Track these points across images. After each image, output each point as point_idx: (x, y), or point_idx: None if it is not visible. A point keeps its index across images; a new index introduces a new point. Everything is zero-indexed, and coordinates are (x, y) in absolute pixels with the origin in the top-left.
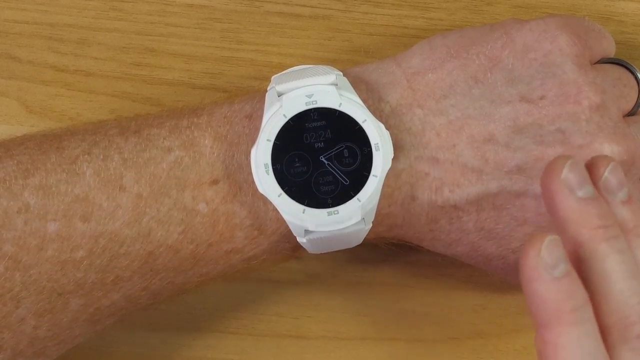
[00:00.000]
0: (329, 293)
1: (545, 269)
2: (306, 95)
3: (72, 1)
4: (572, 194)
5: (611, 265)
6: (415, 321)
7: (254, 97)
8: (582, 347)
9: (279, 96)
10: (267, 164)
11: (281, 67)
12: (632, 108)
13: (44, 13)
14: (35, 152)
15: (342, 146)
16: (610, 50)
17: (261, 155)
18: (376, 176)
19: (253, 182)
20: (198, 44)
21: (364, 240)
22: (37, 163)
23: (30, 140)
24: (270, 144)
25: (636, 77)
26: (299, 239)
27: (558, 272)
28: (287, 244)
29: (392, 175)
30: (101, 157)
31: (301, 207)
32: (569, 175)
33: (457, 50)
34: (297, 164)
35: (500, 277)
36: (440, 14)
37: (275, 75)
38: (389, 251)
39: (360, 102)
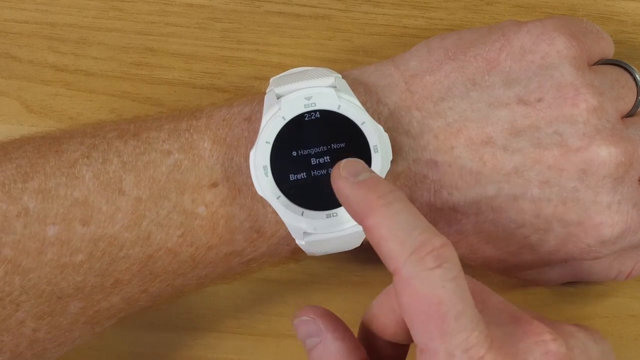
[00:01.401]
0: (329, 293)
1: (347, 177)
2: (305, 98)
3: (72, 1)
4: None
5: None
6: None
7: (252, 99)
8: (398, 221)
9: (277, 98)
10: (266, 166)
11: (281, 67)
12: (631, 109)
13: (44, 13)
14: (34, 156)
15: (341, 148)
16: (609, 51)
17: (260, 157)
18: None
19: (252, 184)
20: (198, 44)
21: (363, 242)
22: (36, 166)
23: (28, 143)
24: (269, 146)
25: (634, 78)
26: (297, 242)
27: (361, 177)
28: (287, 247)
29: (390, 177)
30: (100, 160)
31: (300, 209)
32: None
33: (454, 52)
34: (296, 167)
35: (500, 277)
36: (440, 14)
37: (273, 77)
38: None
39: (359, 104)
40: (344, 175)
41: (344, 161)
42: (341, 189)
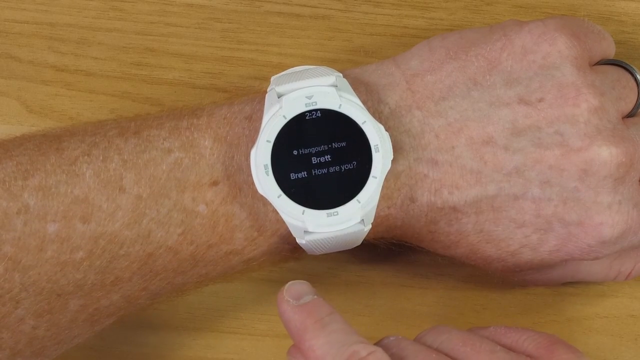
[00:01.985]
0: (329, 293)
1: (289, 300)
2: (306, 97)
3: (72, 1)
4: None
5: None
6: (415, 321)
7: (253, 98)
8: (330, 341)
9: (278, 97)
10: (266, 165)
11: (281, 67)
12: (632, 109)
13: (44, 13)
14: (34, 153)
15: (342, 147)
16: (610, 51)
17: (261, 156)
18: (376, 177)
19: (253, 183)
20: (198, 44)
21: (363, 241)
22: (37, 164)
23: (29, 140)
24: (270, 145)
25: (635, 79)
26: (298, 240)
27: (302, 300)
28: (287, 245)
29: (391, 176)
30: (101, 158)
31: (301, 208)
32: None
33: (456, 52)
34: (297, 165)
35: (501, 277)
36: (440, 14)
37: (274, 76)
38: (389, 251)
39: (360, 103)
40: (286, 298)
41: (288, 284)
42: (283, 312)
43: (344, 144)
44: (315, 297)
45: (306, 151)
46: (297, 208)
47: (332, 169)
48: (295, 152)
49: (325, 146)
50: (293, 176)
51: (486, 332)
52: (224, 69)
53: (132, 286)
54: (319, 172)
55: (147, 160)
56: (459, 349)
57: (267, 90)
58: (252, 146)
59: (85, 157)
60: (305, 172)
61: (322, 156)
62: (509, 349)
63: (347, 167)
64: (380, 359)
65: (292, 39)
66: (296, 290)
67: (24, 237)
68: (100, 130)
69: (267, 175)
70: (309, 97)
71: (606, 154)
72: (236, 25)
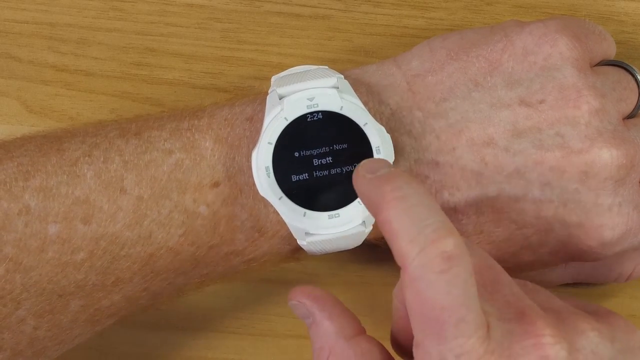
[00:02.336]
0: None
1: (364, 174)
2: (307, 98)
3: (72, 1)
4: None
5: None
6: None
7: (254, 99)
8: (411, 216)
9: (280, 99)
10: (268, 166)
11: (281, 67)
12: (632, 111)
13: (44, 13)
14: (35, 154)
15: (343, 149)
16: (611, 52)
17: (262, 158)
18: None
19: (254, 184)
20: (198, 44)
21: (364, 241)
22: (38, 165)
23: (30, 141)
24: (272, 147)
25: (636, 80)
26: (299, 242)
27: (379, 172)
28: (288, 246)
29: None
30: (102, 159)
31: (302, 210)
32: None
33: (457, 52)
34: (298, 167)
35: None
36: (440, 14)
37: (275, 77)
38: (389, 251)
39: (362, 105)
40: (361, 173)
41: (364, 161)
42: (358, 186)
43: (345, 145)
44: (393, 168)
45: (307, 153)
46: (298, 210)
47: (333, 171)
48: (296, 154)
49: (327, 148)
50: (294, 178)
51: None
52: (224, 69)
53: (133, 287)
54: (320, 174)
55: (148, 162)
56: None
57: (269, 91)
58: (253, 147)
59: (86, 158)
60: (306, 174)
61: (323, 158)
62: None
63: (348, 168)
64: (464, 255)
65: (292, 39)
66: (372, 165)
67: (25, 238)
68: (101, 131)
69: (269, 177)
70: (311, 99)
71: (607, 156)
72: (236, 25)
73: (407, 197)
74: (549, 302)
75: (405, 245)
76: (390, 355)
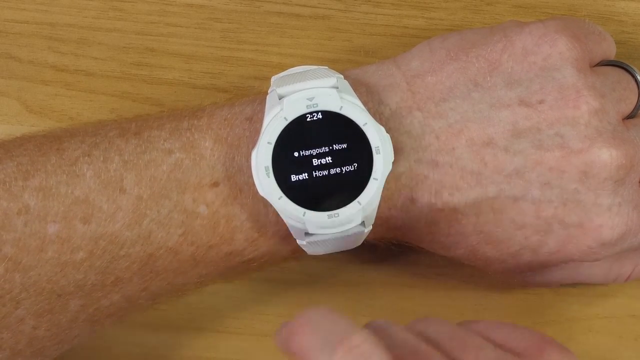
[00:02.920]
0: (329, 293)
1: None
2: (307, 98)
3: (72, 1)
4: None
5: None
6: None
7: (254, 99)
8: (316, 331)
9: (279, 99)
10: (267, 166)
11: (281, 67)
12: (632, 111)
13: (44, 13)
14: (35, 154)
15: (343, 149)
16: (611, 52)
17: (262, 157)
18: (377, 179)
19: (253, 184)
20: (198, 44)
21: (363, 241)
22: (37, 164)
23: (29, 141)
24: (271, 147)
25: (636, 80)
26: (299, 242)
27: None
28: (287, 246)
29: (391, 178)
30: (101, 158)
31: (301, 210)
32: None
33: (456, 53)
34: (298, 167)
35: (501, 278)
36: (440, 14)
37: (275, 77)
38: (389, 251)
39: (361, 105)
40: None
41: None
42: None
43: (344, 145)
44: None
45: (307, 153)
46: (298, 210)
47: (332, 171)
48: (296, 154)
49: (326, 148)
50: (294, 178)
51: (478, 326)
52: (224, 69)
53: (133, 286)
54: (320, 174)
55: (148, 161)
56: (446, 342)
57: (268, 91)
58: (252, 147)
59: (86, 157)
60: (306, 174)
61: (323, 158)
62: (499, 345)
63: (348, 168)
64: (371, 348)
65: (292, 39)
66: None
67: (25, 238)
68: (100, 131)
69: (268, 177)
70: (310, 99)
71: (606, 156)
72: (236, 25)
73: (309, 322)
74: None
75: (316, 356)
76: None
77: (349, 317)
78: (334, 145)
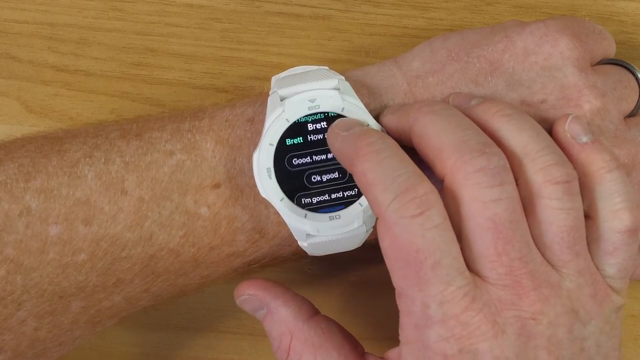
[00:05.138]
0: (329, 293)
1: (338, 132)
2: (309, 100)
3: (72, 1)
4: None
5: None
6: None
7: (255, 100)
8: (384, 167)
9: (281, 100)
10: (269, 168)
11: (281, 67)
12: (633, 109)
13: (44, 13)
14: (36, 155)
15: None
16: (611, 51)
17: (263, 159)
18: None
19: (255, 186)
20: (198, 44)
21: (364, 242)
22: (39, 166)
23: (31, 142)
24: (273, 148)
25: (637, 78)
26: (300, 243)
27: (352, 131)
28: (288, 247)
29: None
30: (103, 160)
31: (303, 211)
32: None
33: (457, 53)
34: (299, 169)
35: None
36: (440, 14)
37: (275, 78)
38: None
39: (363, 106)
40: (336, 131)
41: (337, 120)
42: (332, 142)
43: None
44: (365, 126)
45: (309, 154)
46: (299, 211)
47: (334, 173)
48: (297, 156)
49: (328, 149)
50: (295, 179)
51: None
52: (224, 69)
53: (134, 288)
54: (322, 175)
55: (149, 163)
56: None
57: (270, 92)
58: (254, 149)
59: (87, 159)
60: (307, 176)
61: (324, 160)
62: None
63: (350, 177)
64: (436, 201)
65: (292, 39)
66: (345, 123)
67: (26, 240)
68: (101, 132)
69: (270, 178)
70: (312, 100)
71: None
72: (236, 25)
73: (380, 151)
74: None
75: (380, 193)
76: (348, 332)
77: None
78: None
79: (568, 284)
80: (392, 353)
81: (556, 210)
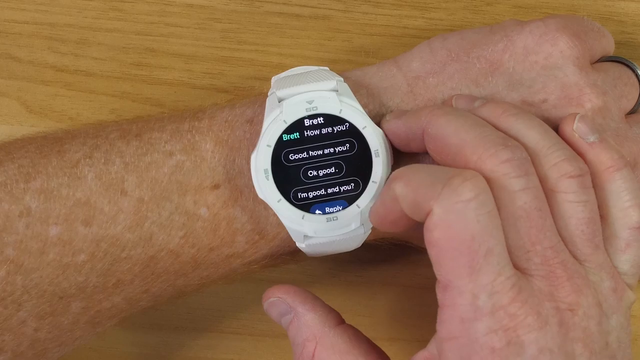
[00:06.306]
0: (329, 293)
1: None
2: (307, 101)
3: (72, 1)
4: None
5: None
6: (415, 321)
7: (255, 101)
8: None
9: (279, 102)
10: (267, 169)
11: (281, 67)
12: (633, 107)
13: (44, 13)
14: (36, 156)
15: (342, 152)
16: (610, 49)
17: (261, 160)
18: (376, 182)
19: (254, 187)
20: (198, 44)
21: (363, 243)
22: (39, 167)
23: (31, 143)
24: (270, 150)
25: (637, 75)
26: (298, 245)
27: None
28: (288, 248)
29: None
30: (102, 161)
31: (300, 212)
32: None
33: (457, 53)
34: (296, 164)
35: None
36: (440, 14)
37: (275, 78)
38: (389, 251)
39: (361, 108)
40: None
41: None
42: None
43: (344, 148)
44: None
45: (306, 156)
46: (297, 213)
47: (331, 174)
48: (295, 157)
49: (326, 151)
50: (293, 180)
51: None
52: (224, 69)
53: (134, 288)
54: (319, 177)
55: (149, 163)
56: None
57: (268, 93)
58: (252, 150)
59: (87, 159)
60: (305, 177)
61: (322, 161)
62: None
63: (346, 172)
64: (485, 183)
65: (292, 39)
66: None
67: (26, 240)
68: (101, 133)
69: (267, 179)
70: (310, 102)
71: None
72: (236, 26)
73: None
74: None
75: (426, 191)
76: (374, 343)
77: None
78: (333, 148)
79: (592, 277)
80: (423, 355)
81: (573, 204)
